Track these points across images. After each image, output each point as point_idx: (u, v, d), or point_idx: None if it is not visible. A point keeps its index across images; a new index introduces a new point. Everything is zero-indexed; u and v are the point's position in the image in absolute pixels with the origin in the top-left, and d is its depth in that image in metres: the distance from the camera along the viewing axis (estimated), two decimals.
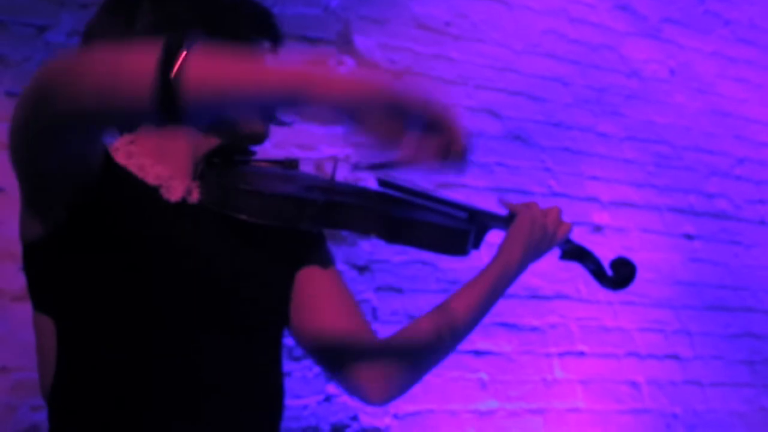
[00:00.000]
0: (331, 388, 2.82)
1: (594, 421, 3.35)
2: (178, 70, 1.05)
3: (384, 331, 2.77)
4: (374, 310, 2.96)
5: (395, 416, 2.91)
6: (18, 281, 2.35)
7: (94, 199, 1.31)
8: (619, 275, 1.77)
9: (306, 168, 1.61)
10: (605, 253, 3.44)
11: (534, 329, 3.30)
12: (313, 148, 2.92)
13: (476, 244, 1.56)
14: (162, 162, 1.40)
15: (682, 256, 3.77)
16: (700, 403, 3.66)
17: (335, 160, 1.51)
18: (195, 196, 1.40)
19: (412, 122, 1.12)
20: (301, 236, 1.49)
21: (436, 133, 1.13)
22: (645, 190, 3.72)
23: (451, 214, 1.56)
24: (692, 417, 3.61)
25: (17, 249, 1.94)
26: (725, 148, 4.03)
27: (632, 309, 3.57)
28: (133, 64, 1.08)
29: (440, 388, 3.03)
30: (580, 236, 3.46)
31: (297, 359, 2.70)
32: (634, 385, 3.50)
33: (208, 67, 1.07)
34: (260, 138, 1.44)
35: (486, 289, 1.62)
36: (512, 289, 3.26)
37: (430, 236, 1.45)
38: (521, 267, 1.65)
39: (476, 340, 3.15)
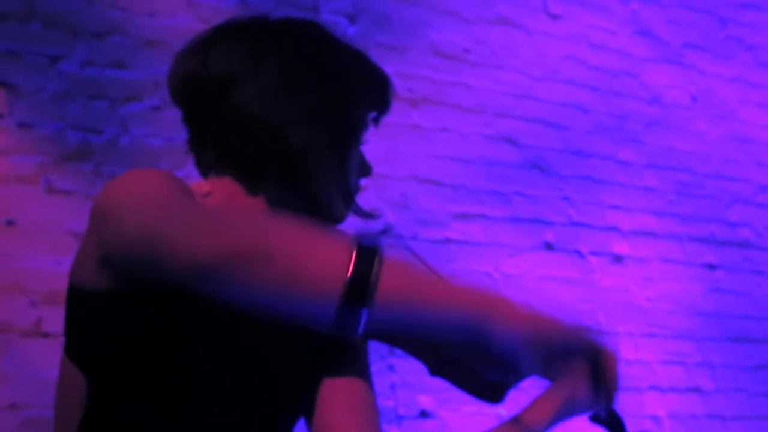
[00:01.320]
0: None
1: None
2: (372, 283, 1.02)
3: (400, 365, 2.76)
4: None
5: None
6: (28, 316, 2.35)
7: None
8: None
9: None
10: (627, 283, 3.43)
11: None
12: None
13: (516, 385, 1.50)
14: None
15: (703, 287, 3.75)
16: None
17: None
18: None
19: (569, 356, 1.12)
20: (331, 344, 1.38)
21: (593, 376, 1.14)
22: (666, 219, 3.71)
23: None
24: None
25: (28, 283, 1.94)
26: (747, 175, 4.02)
27: (653, 341, 3.55)
28: (323, 268, 1.03)
29: (456, 426, 3.02)
30: (600, 266, 3.46)
31: None
32: (655, 419, 3.48)
33: (398, 282, 1.05)
34: (337, 222, 1.36)
35: None
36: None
37: (473, 382, 1.41)
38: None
39: None
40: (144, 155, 2.54)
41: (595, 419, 1.55)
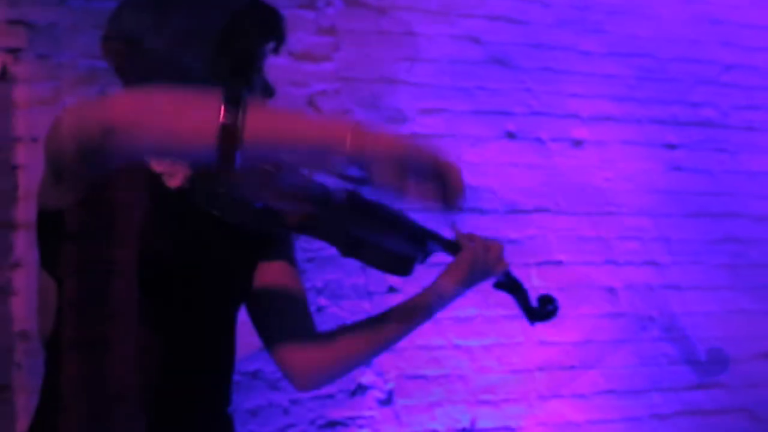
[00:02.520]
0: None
1: (570, 326, 4.33)
2: (238, 125, 1.46)
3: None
4: None
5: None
6: None
7: (109, 180, 1.81)
8: (544, 310, 2.42)
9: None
10: (586, 165, 4.35)
11: (512, 242, 4.25)
12: (305, 85, 3.85)
13: (422, 261, 2.17)
14: None
15: (662, 166, 4.68)
16: (678, 306, 4.62)
17: (311, 173, 2.04)
18: (183, 184, 1.95)
19: (420, 172, 1.56)
20: (262, 235, 2.06)
21: (438, 182, 1.58)
22: (626, 103, 4.61)
23: (404, 238, 2.12)
24: (668, 320, 4.58)
25: None
26: (713, 56, 4.89)
27: (611, 219, 4.50)
28: (196, 120, 1.48)
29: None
30: (560, 151, 4.39)
31: None
32: (610, 290, 4.47)
33: (262, 123, 1.48)
34: None
35: (417, 315, 2.18)
36: (491, 205, 4.23)
37: (381, 259, 2.05)
38: (454, 297, 2.25)
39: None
40: None
41: (497, 286, 2.40)
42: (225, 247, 1.99)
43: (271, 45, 2.07)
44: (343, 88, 3.95)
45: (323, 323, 3.82)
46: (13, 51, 3.38)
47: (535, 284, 4.28)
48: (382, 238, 2.08)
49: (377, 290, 3.93)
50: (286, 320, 2.12)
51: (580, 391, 4.36)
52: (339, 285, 3.87)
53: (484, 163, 4.24)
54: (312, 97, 3.89)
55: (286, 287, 2.11)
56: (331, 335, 2.17)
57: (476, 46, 4.26)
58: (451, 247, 2.24)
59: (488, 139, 4.26)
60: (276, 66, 3.78)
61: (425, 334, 4.04)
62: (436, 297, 2.19)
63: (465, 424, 4.11)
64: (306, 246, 3.72)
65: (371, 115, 3.99)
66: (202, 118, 1.48)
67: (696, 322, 4.65)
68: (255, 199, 1.91)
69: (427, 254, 2.18)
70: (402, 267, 2.11)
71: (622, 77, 4.61)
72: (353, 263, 3.85)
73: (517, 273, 4.22)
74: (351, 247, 2.01)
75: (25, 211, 3.26)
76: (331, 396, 3.82)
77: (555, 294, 4.27)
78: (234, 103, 1.48)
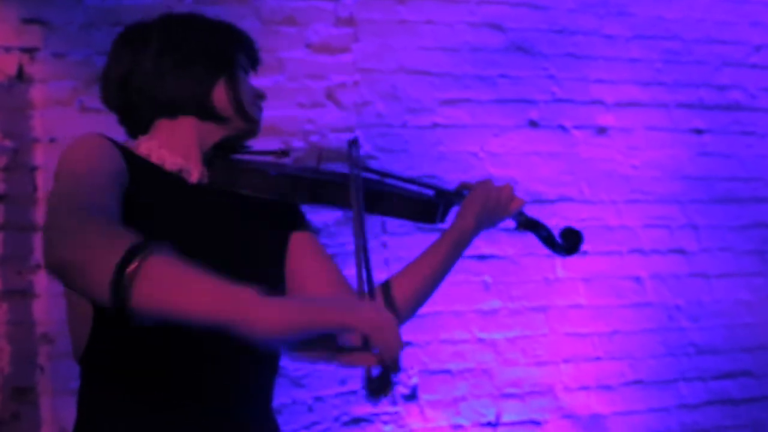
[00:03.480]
0: None
1: (595, 315, 4.44)
2: (128, 279, 1.56)
3: (393, 242, 3.82)
4: (383, 224, 4.03)
5: None
6: None
7: (132, 191, 1.98)
8: (569, 242, 2.58)
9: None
10: (611, 153, 4.44)
11: None
12: (323, 78, 3.96)
13: (443, 218, 2.36)
14: (176, 152, 2.14)
15: (689, 151, 4.76)
16: (706, 294, 4.71)
17: (320, 151, 2.28)
18: (205, 179, 2.13)
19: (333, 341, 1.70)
20: (289, 209, 2.26)
21: (372, 348, 1.63)
22: (652, 88, 4.70)
23: (421, 192, 2.36)
24: (696, 308, 4.68)
25: None
26: (740, 36, 4.96)
27: (637, 207, 4.60)
28: (100, 274, 1.60)
29: (446, 291, 4.10)
30: (584, 138, 4.48)
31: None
32: (636, 280, 4.56)
33: (155, 286, 1.58)
34: (253, 133, 2.24)
35: (445, 252, 2.33)
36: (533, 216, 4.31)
37: (403, 207, 2.25)
38: (475, 233, 2.39)
39: (480, 245, 4.18)
40: None
41: (518, 227, 2.54)
42: (255, 227, 2.18)
43: (243, 60, 2.25)
44: (362, 79, 4.05)
45: None
46: (29, 50, 3.48)
47: (560, 275, 4.39)
48: (399, 189, 2.29)
49: None
50: (329, 281, 2.26)
51: (607, 383, 4.47)
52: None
53: (507, 152, 4.34)
54: (330, 90, 3.99)
55: (320, 255, 2.28)
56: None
57: (497, 33, 4.35)
58: (450, 194, 2.42)
59: (511, 128, 4.36)
60: (293, 59, 3.91)
61: (448, 327, 4.16)
62: (459, 233, 2.34)
63: (490, 418, 4.22)
64: (329, 242, 3.83)
65: (392, 106, 4.09)
66: (102, 265, 1.61)
67: (724, 310, 4.74)
68: (269, 168, 2.13)
69: (446, 204, 2.37)
70: (427, 211, 2.31)
71: (647, 61, 4.69)
72: (375, 258, 3.97)
73: (541, 263, 4.34)
74: (373, 202, 2.17)
75: (45, 213, 3.39)
76: (354, 392, 3.94)
77: (580, 285, 4.44)
78: (130, 259, 1.59)
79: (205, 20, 2.25)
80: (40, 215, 3.41)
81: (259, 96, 2.26)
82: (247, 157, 2.22)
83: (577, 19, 4.54)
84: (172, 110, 2.17)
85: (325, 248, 2.32)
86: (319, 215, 3.88)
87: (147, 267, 1.59)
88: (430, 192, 2.40)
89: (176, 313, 1.58)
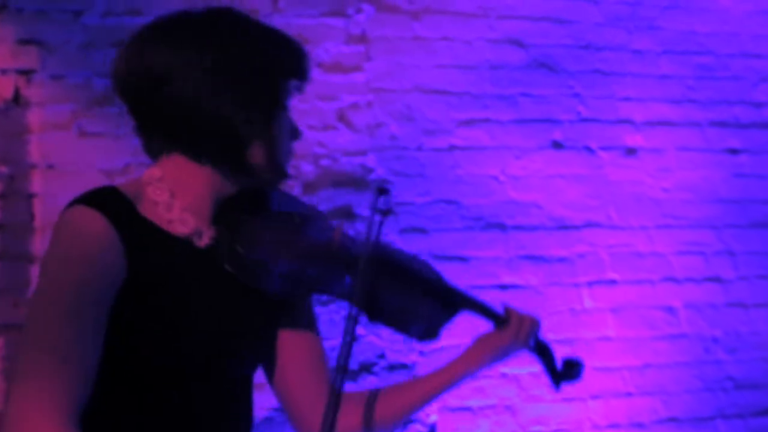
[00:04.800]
0: (360, 330, 3.97)
1: (625, 348, 4.47)
2: None
3: None
4: None
5: (421, 353, 4.07)
6: None
7: (131, 278, 1.97)
8: (569, 373, 2.54)
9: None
10: (641, 175, 4.48)
11: (561, 260, 4.40)
12: (335, 98, 4.02)
13: (449, 321, 2.35)
14: (186, 199, 2.04)
15: (724, 173, 4.80)
16: (744, 325, 4.74)
17: (340, 228, 2.16)
18: (207, 241, 2.07)
19: None
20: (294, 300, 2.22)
21: None
22: (684, 106, 4.74)
23: (433, 298, 2.25)
24: (734, 340, 4.71)
25: None
26: None
27: (669, 232, 4.63)
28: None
29: (466, 324, 4.15)
30: (611, 160, 4.52)
31: (324, 303, 3.81)
32: (669, 310, 4.60)
33: None
34: (277, 186, 2.15)
35: (447, 383, 2.37)
36: (538, 221, 4.38)
37: (407, 324, 2.21)
38: (482, 369, 2.44)
39: (501, 274, 4.27)
40: None
41: (527, 349, 2.56)
42: (246, 308, 2.13)
43: (294, 83, 2.13)
44: (375, 100, 4.11)
45: (360, 353, 4.00)
46: (26, 72, 3.56)
47: (587, 306, 4.43)
48: (410, 300, 2.23)
49: None
50: (305, 384, 2.26)
51: (638, 420, 4.50)
52: None
53: (530, 175, 4.39)
54: (342, 111, 4.05)
55: (305, 351, 2.26)
56: (351, 398, 2.25)
57: (518, 50, 4.41)
58: (491, 315, 2.44)
59: (533, 150, 4.42)
60: None
61: None
62: (469, 368, 2.41)
63: None
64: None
65: (406, 127, 4.16)
66: None
67: (764, 341, 4.76)
68: (275, 261, 2.06)
69: (455, 315, 2.37)
70: (429, 334, 2.30)
71: (678, 77, 4.73)
72: None
73: (567, 293, 4.39)
74: (375, 312, 2.16)
75: (43, 243, 3.44)
76: None
77: (608, 317, 4.47)
78: None
79: (262, 28, 2.12)
80: (37, 245, 3.48)
81: (294, 135, 2.14)
82: (255, 222, 2.11)
83: (603, 33, 4.59)
84: (199, 145, 2.04)
85: (317, 332, 2.29)
86: None
87: None
88: (447, 292, 2.35)
89: None
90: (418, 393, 2.32)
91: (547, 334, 4.28)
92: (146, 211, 2.03)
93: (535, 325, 2.45)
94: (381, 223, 2.04)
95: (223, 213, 2.08)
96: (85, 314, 1.93)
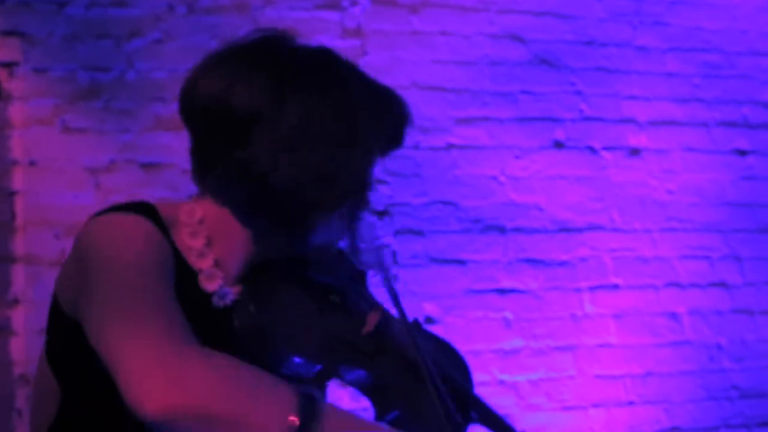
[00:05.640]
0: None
1: (628, 356, 4.48)
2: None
3: (404, 274, 3.88)
4: (394, 254, 4.09)
5: None
6: (53, 248, 3.52)
7: None
8: None
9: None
10: (645, 176, 4.48)
11: (562, 264, 4.40)
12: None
13: None
14: (218, 251, 1.88)
15: (732, 175, 4.80)
16: (750, 332, 4.75)
17: (379, 313, 1.96)
18: (227, 303, 1.90)
19: None
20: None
21: None
22: (690, 105, 4.74)
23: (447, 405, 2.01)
24: (740, 347, 4.72)
25: (51, 217, 3.10)
26: None
27: (673, 236, 4.64)
28: (265, 418, 1.60)
29: (463, 329, 4.17)
30: (614, 161, 4.53)
31: None
32: (673, 316, 4.61)
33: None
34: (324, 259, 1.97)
35: None
36: (538, 224, 4.40)
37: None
38: None
39: (500, 278, 4.28)
40: (149, 88, 3.67)
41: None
42: None
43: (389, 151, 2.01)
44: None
45: None
46: (8, 65, 3.57)
47: (589, 311, 4.44)
48: (425, 413, 2.01)
49: None
50: None
51: (641, 430, 4.50)
52: None
53: (530, 176, 4.40)
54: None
55: None
56: None
57: (519, 45, 4.42)
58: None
59: (534, 150, 4.43)
60: None
61: None
62: None
63: None
64: None
65: None
66: (271, 418, 1.61)
67: None
68: (291, 348, 1.91)
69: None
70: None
71: (685, 75, 4.74)
72: (384, 292, 4.02)
73: (568, 298, 4.39)
74: (384, 414, 2.01)
75: (25, 243, 3.46)
76: None
77: (610, 323, 4.48)
78: (310, 403, 1.62)
79: (367, 82, 1.96)
80: (18, 245, 3.49)
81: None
82: (282, 295, 1.95)
83: (607, 29, 4.60)
84: (253, 216, 1.89)
85: None
86: None
87: (326, 412, 1.65)
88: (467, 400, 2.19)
89: None
90: None
91: (547, 341, 4.34)
92: (179, 245, 1.89)
93: None
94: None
95: (253, 276, 1.94)
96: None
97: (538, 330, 4.34)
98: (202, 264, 1.89)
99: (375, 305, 1.99)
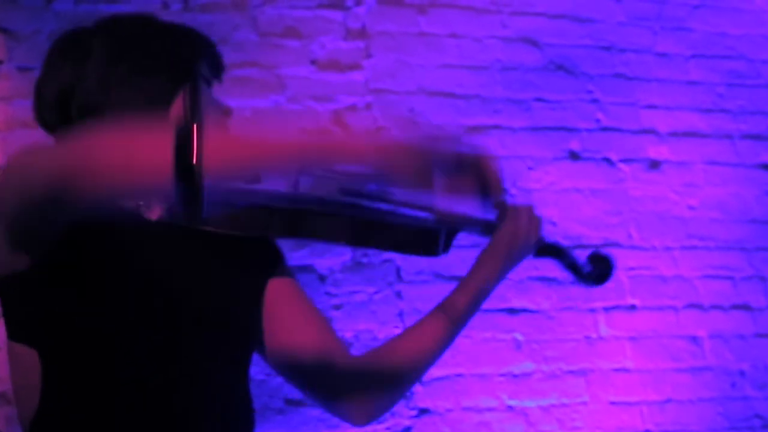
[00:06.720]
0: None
1: (645, 381, 4.44)
2: (195, 157, 1.59)
3: (408, 291, 3.86)
4: (398, 270, 4.05)
5: (420, 382, 4.03)
6: None
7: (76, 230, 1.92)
8: (597, 270, 2.64)
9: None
10: (665, 191, 4.46)
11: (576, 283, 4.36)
12: (330, 99, 3.99)
13: (446, 248, 2.36)
14: None
15: (758, 190, 4.75)
16: None
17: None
18: (163, 213, 2.08)
19: (446, 169, 1.83)
20: (265, 250, 2.25)
21: (470, 174, 1.87)
22: (714, 115, 4.71)
23: (419, 217, 2.29)
24: (763, 374, 4.67)
25: None
26: None
27: (694, 254, 4.61)
28: (148, 155, 1.64)
29: (470, 351, 4.13)
30: (632, 174, 4.50)
31: None
32: (693, 340, 4.57)
33: (223, 150, 1.67)
34: None
35: (465, 307, 2.41)
36: (552, 239, 4.33)
37: (399, 238, 2.20)
38: (498, 282, 2.49)
39: (510, 297, 4.23)
40: None
41: (538, 253, 2.57)
42: (221, 272, 2.15)
43: (205, 69, 2.21)
44: (375, 101, 4.08)
45: None
46: None
47: (604, 334, 4.41)
48: (395, 216, 2.23)
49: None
50: (312, 350, 2.28)
51: None
52: (372, 337, 3.99)
53: (543, 188, 4.37)
54: (338, 114, 4.02)
55: (302, 308, 2.31)
56: (373, 356, 2.35)
57: (533, 50, 4.39)
58: (482, 225, 2.46)
59: (548, 161, 4.40)
60: (295, 77, 3.96)
61: (472, 393, 4.17)
62: (482, 281, 2.45)
63: None
64: (334, 290, 3.86)
65: (409, 133, 4.12)
66: (154, 155, 1.65)
67: None
68: (242, 200, 2.06)
69: (451, 231, 2.38)
70: (426, 243, 2.28)
71: (708, 84, 4.72)
72: (387, 310, 4.01)
73: (582, 319, 4.36)
74: (360, 236, 2.15)
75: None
76: None
77: (627, 346, 4.45)
78: (184, 131, 1.61)
79: (157, 23, 2.25)
80: None
81: (225, 113, 2.22)
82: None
83: (626, 34, 4.58)
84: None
85: (304, 293, 2.33)
86: (322, 260, 3.91)
87: (209, 133, 1.64)
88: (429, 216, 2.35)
89: (253, 166, 1.74)
90: (442, 320, 2.41)
91: (559, 364, 4.30)
92: None
93: (531, 214, 2.52)
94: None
95: None
96: None
97: (549, 353, 4.31)
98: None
99: None
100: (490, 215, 2.45)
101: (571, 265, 2.57)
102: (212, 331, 2.11)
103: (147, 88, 2.12)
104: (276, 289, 2.27)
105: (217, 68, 2.24)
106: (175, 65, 2.15)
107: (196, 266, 2.12)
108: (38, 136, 3.56)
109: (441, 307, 2.41)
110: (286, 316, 2.26)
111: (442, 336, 2.39)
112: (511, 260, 2.46)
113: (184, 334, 2.07)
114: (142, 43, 2.16)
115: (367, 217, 2.17)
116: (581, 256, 2.66)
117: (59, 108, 2.15)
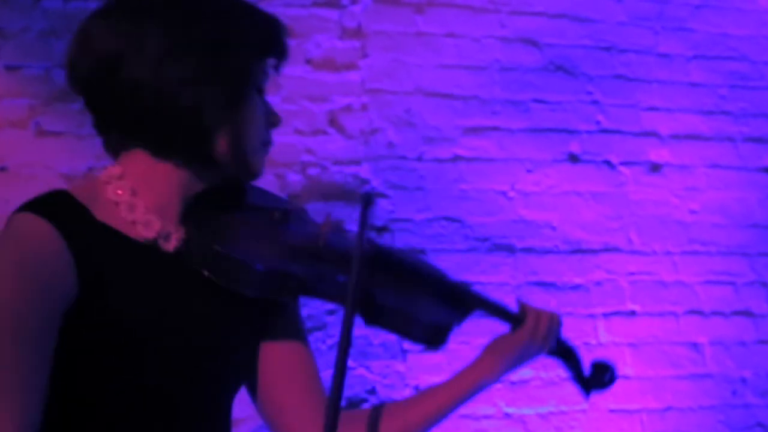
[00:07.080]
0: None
1: (645, 388, 4.44)
2: None
3: None
4: None
5: (416, 388, 4.02)
6: None
7: (84, 291, 1.93)
8: (600, 378, 2.52)
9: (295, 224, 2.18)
10: (666, 194, 4.46)
11: (575, 287, 4.36)
12: (326, 100, 3.98)
13: (459, 325, 2.29)
14: (150, 199, 2.00)
15: (760, 194, 4.76)
16: None
17: (329, 223, 2.10)
18: (175, 244, 2.03)
19: None
20: (276, 303, 2.15)
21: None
22: (715, 118, 4.71)
23: (440, 300, 2.24)
24: (765, 381, 4.67)
25: None
26: None
27: (696, 259, 4.60)
28: None
29: (468, 357, 4.10)
30: (633, 177, 4.50)
31: (308, 331, 3.78)
32: (694, 346, 4.57)
33: None
34: (250, 181, 2.10)
35: (457, 400, 2.31)
36: (551, 243, 4.35)
37: (409, 329, 2.15)
38: (501, 376, 2.39)
39: (508, 302, 4.20)
40: None
41: (548, 352, 2.56)
42: (224, 319, 2.09)
43: (271, 61, 2.09)
44: (371, 102, 4.07)
45: (349, 388, 3.96)
46: None
47: (603, 340, 4.40)
48: (412, 301, 2.18)
49: (412, 348, 4.05)
50: (297, 401, 2.22)
51: None
52: (367, 342, 3.98)
53: (542, 192, 4.36)
54: (334, 114, 4.01)
55: (295, 363, 2.23)
56: (353, 417, 2.26)
57: (532, 50, 4.39)
58: (504, 315, 2.39)
59: (547, 163, 4.39)
60: (290, 77, 3.94)
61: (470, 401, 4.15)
62: (479, 379, 2.36)
63: None
64: (320, 335, 3.87)
65: (406, 134, 4.12)
66: None
67: None
68: (254, 260, 2.00)
69: (464, 317, 2.32)
70: (436, 338, 2.22)
71: (710, 86, 4.72)
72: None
73: (581, 325, 4.35)
74: (373, 315, 2.11)
75: None
76: None
77: (626, 352, 4.44)
78: None
79: (234, 4, 2.07)
80: None
81: (272, 122, 2.11)
82: (231, 219, 2.08)
83: (627, 34, 4.57)
84: (158, 137, 1.99)
85: (308, 346, 2.27)
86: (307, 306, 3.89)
87: None
88: (455, 291, 2.32)
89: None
90: (427, 408, 2.29)
91: (558, 371, 4.27)
92: (104, 215, 1.99)
93: (554, 321, 2.39)
94: (366, 215, 1.92)
95: (193, 211, 2.04)
96: (27, 333, 1.89)
97: (548, 359, 4.28)
98: (135, 216, 2.01)
99: (324, 220, 2.11)
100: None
101: (576, 372, 2.53)
102: (201, 367, 2.08)
103: (197, 75, 1.97)
104: (275, 348, 2.20)
105: (281, 57, 2.10)
106: (239, 73, 2.01)
107: (199, 302, 2.07)
108: (27, 137, 3.57)
109: (436, 391, 2.36)
110: (278, 374, 2.21)
111: (431, 419, 2.33)
112: (519, 363, 2.42)
113: (173, 368, 2.05)
114: (205, 26, 1.99)
115: (383, 301, 2.12)
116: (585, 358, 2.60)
117: (97, 73, 1.99)
